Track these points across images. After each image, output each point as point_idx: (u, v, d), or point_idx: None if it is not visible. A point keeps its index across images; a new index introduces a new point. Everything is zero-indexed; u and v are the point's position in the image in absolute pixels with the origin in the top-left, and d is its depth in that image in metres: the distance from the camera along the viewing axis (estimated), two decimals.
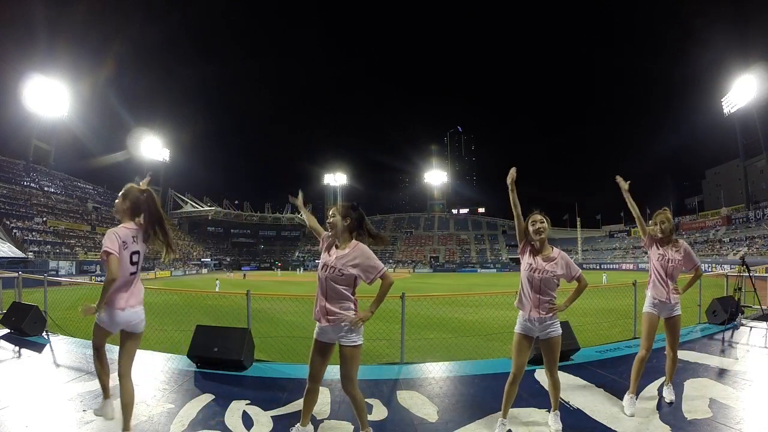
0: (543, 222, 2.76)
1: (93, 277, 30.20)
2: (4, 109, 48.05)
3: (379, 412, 3.13)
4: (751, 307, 6.68)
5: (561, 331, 2.75)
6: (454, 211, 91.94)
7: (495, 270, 58.46)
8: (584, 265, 55.37)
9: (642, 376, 3.81)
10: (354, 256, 2.36)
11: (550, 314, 2.66)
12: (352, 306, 2.41)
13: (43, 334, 5.63)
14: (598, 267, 52.63)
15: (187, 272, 48.28)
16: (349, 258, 2.36)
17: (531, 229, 2.77)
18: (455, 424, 2.90)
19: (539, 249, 2.76)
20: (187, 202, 72.18)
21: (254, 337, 4.54)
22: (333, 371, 4.23)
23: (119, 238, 2.42)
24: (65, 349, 4.99)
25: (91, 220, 46.33)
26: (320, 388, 3.63)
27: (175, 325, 6.92)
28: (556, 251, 2.78)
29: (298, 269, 62.79)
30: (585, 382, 3.72)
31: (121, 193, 2.60)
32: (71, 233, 39.43)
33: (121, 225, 2.54)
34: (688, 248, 3.28)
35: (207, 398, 3.35)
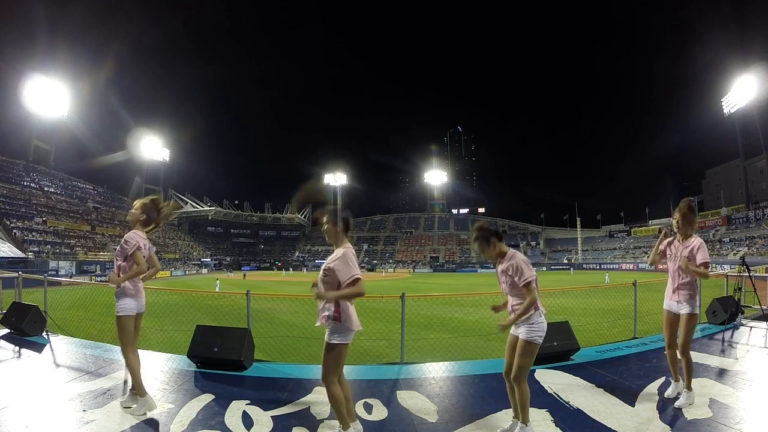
0: (474, 236, 2.92)
1: (93, 277, 30.19)
2: (4, 109, 48.14)
3: (379, 412, 3.13)
4: (751, 307, 6.68)
5: (530, 339, 2.55)
6: (454, 211, 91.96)
7: (495, 270, 58.33)
8: (584, 265, 55.41)
9: (642, 376, 3.84)
10: (337, 256, 2.49)
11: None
12: (332, 307, 2.46)
13: (43, 334, 5.63)
14: (598, 267, 52.60)
15: (187, 272, 48.28)
16: (333, 258, 2.51)
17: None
18: (455, 424, 2.90)
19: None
20: (187, 202, 72.15)
21: (254, 337, 4.54)
22: None
23: (140, 240, 3.06)
24: (65, 349, 4.99)
25: (91, 220, 46.32)
26: (320, 388, 3.64)
27: (175, 325, 6.92)
28: (510, 252, 2.68)
29: (303, 268, 62.87)
30: (585, 382, 3.72)
31: (139, 205, 3.18)
32: (71, 233, 39.43)
33: (136, 231, 3.12)
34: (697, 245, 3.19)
35: (207, 398, 3.35)
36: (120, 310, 3.02)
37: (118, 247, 3.06)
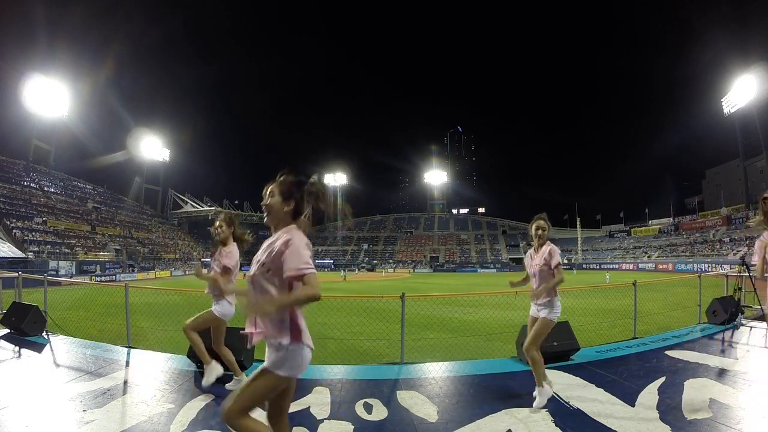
0: (544, 227, 3.36)
1: (93, 277, 30.18)
2: (4, 109, 48.03)
3: (379, 412, 3.13)
4: (751, 307, 6.67)
5: (548, 317, 3.20)
6: (454, 211, 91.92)
7: (495, 270, 58.41)
8: (584, 265, 55.40)
9: (642, 376, 3.84)
10: (284, 240, 1.71)
11: (538, 300, 3.28)
12: (286, 317, 1.71)
13: (43, 334, 5.63)
14: (598, 267, 52.57)
15: (187, 272, 48.23)
16: (279, 242, 1.73)
17: (532, 232, 3.39)
18: (455, 424, 2.90)
19: (537, 247, 3.38)
20: (187, 202, 72.14)
21: None
22: (333, 370, 4.24)
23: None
24: (65, 349, 5.00)
25: (91, 220, 46.30)
26: (320, 388, 3.65)
27: (175, 325, 6.90)
28: (547, 246, 3.29)
29: None
30: (585, 382, 3.72)
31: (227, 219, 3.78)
32: (71, 233, 39.40)
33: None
34: None
35: (207, 398, 3.35)
36: (219, 314, 3.43)
37: (224, 259, 3.56)
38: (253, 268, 1.79)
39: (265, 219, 1.85)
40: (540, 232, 3.33)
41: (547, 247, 3.28)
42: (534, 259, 3.35)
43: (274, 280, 1.71)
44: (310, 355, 1.76)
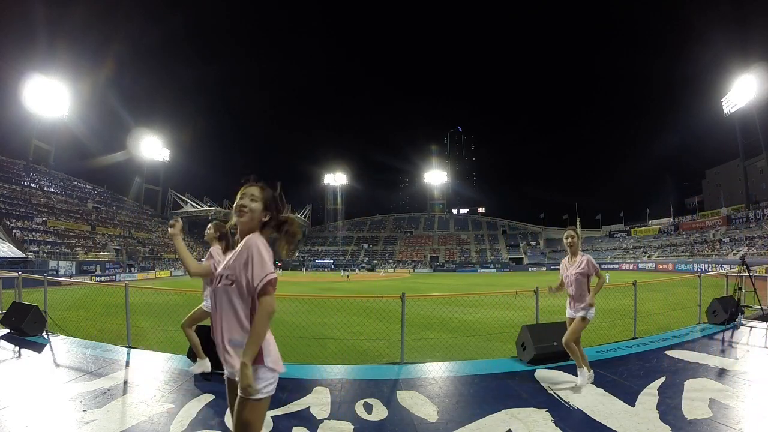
0: (573, 235, 3.77)
1: (93, 277, 30.18)
2: (4, 109, 48.04)
3: (379, 412, 3.13)
4: (751, 307, 6.68)
5: (586, 317, 3.63)
6: (454, 211, 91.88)
7: (495, 270, 58.38)
8: None
9: (642, 376, 3.84)
10: (247, 249, 1.65)
11: (579, 305, 3.68)
12: (241, 340, 1.65)
13: (43, 334, 5.63)
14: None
15: (186, 272, 48.30)
16: (239, 252, 1.68)
17: (564, 242, 3.81)
18: (455, 424, 2.90)
19: (571, 257, 3.77)
20: (187, 202, 72.14)
21: None
22: (333, 370, 4.24)
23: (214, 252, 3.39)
24: (65, 349, 5.00)
25: (91, 220, 46.28)
26: (320, 388, 3.65)
27: (175, 325, 6.90)
28: (582, 256, 3.69)
29: (303, 268, 62.99)
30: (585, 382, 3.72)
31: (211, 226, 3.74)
32: (71, 233, 39.38)
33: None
34: None
35: (207, 398, 3.35)
36: (209, 309, 3.46)
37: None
38: (216, 281, 1.73)
39: (238, 219, 1.74)
40: (569, 240, 3.74)
41: (583, 257, 3.69)
42: (569, 269, 3.75)
43: (239, 295, 1.65)
44: (272, 375, 1.64)
